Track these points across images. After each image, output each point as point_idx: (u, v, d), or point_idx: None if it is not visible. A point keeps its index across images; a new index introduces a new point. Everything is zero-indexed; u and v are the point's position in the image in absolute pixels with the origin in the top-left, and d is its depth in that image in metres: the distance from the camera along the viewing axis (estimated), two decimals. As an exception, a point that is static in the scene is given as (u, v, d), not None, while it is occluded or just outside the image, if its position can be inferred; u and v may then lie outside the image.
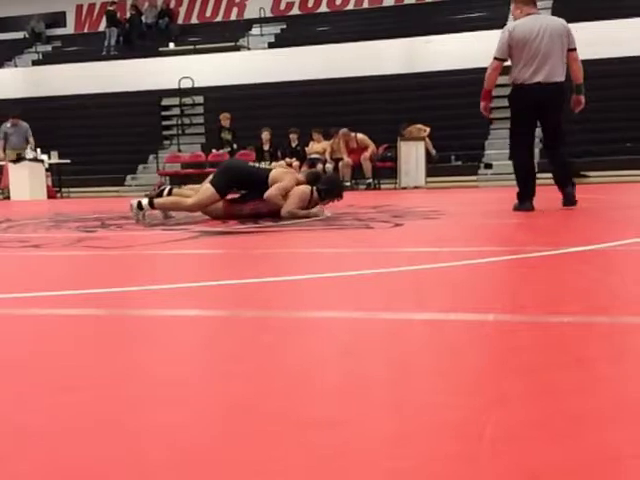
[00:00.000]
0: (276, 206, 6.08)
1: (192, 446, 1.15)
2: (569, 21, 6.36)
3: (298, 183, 6.19)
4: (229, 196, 6.34)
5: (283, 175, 6.24)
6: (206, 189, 6.16)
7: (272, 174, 6.22)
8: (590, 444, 1.11)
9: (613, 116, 15.16)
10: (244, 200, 6.32)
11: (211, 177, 6.34)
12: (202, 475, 1.04)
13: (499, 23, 19.13)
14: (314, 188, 6.13)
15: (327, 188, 6.19)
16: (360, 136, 14.85)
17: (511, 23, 6.30)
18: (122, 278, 3.20)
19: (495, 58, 6.28)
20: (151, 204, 6.22)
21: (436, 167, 15.15)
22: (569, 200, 6.20)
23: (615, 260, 3.31)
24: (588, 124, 13.58)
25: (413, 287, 2.65)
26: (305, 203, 6.12)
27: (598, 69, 13.92)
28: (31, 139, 15.06)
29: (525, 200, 6.23)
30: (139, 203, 6.21)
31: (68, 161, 15.95)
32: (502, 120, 17.04)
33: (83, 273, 3.53)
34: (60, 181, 16.32)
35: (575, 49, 6.22)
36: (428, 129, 15.34)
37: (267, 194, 6.05)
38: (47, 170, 15.55)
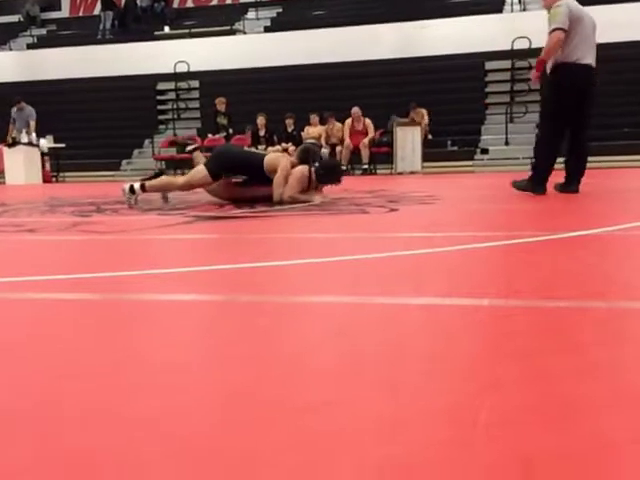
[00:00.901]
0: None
1: (188, 433, 1.14)
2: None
3: (292, 166, 6.16)
4: (233, 180, 6.31)
5: (278, 159, 6.21)
6: (199, 170, 6.19)
7: (267, 159, 6.19)
8: (585, 429, 1.11)
9: (612, 101, 15.13)
10: (245, 185, 6.29)
11: (206, 160, 6.36)
12: (198, 462, 1.04)
13: (494, 8, 19.17)
14: (312, 169, 6.09)
15: (325, 172, 6.15)
16: (367, 121, 14.94)
17: (564, 1, 6.22)
18: (117, 263, 3.19)
19: (559, 29, 6.14)
20: (143, 187, 6.21)
21: (432, 152, 15.14)
22: (574, 189, 6.27)
23: (612, 245, 3.31)
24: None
25: (408, 272, 2.65)
26: (305, 185, 6.10)
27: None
28: (32, 123, 15.00)
29: (542, 184, 6.24)
30: (131, 187, 6.20)
31: (62, 145, 15.89)
32: (498, 105, 17.12)
33: (78, 257, 3.52)
34: (58, 165, 16.28)
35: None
36: (425, 116, 15.42)
37: (286, 195, 6.01)
38: (46, 154, 15.53)
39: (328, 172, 6.20)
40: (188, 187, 6.27)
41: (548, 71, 6.27)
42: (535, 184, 6.25)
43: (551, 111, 6.27)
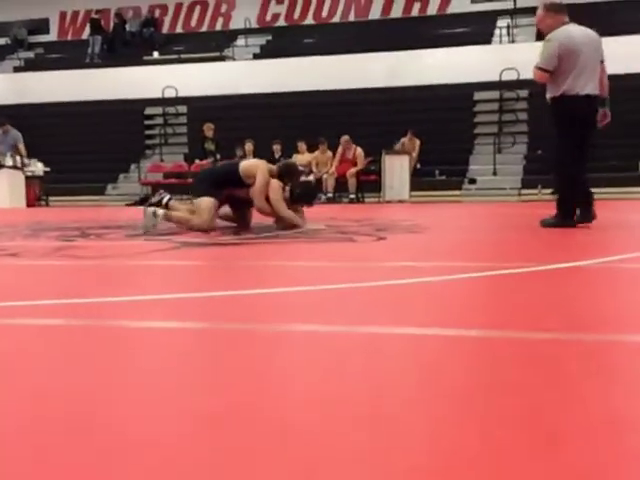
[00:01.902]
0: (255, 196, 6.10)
1: (166, 459, 1.11)
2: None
3: (271, 174, 6.16)
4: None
5: (253, 168, 6.16)
6: (201, 201, 6.04)
7: (242, 166, 6.20)
8: (569, 462, 1.08)
9: (597, 133, 15.23)
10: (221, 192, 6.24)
11: (195, 193, 6.25)
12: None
13: (483, 39, 19.38)
14: (287, 188, 6.13)
15: (300, 192, 6.22)
16: (359, 150, 15.00)
17: (557, 32, 5.93)
18: (100, 288, 3.15)
19: (541, 69, 5.95)
20: (166, 216, 6.08)
21: (420, 181, 15.21)
22: (590, 217, 6.02)
23: (599, 277, 3.30)
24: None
25: (395, 301, 2.63)
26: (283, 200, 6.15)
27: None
28: (21, 146, 14.99)
29: (571, 217, 5.96)
30: (154, 212, 6.06)
31: (47, 169, 15.85)
32: (486, 135, 17.23)
33: (60, 283, 3.48)
34: (46, 189, 16.25)
35: (604, 61, 6.09)
36: (417, 147, 15.62)
37: (257, 206, 6.05)
38: (38, 178, 15.56)
39: (304, 191, 6.29)
40: (208, 223, 5.99)
41: (549, 101, 6.07)
42: (563, 219, 5.95)
43: (563, 142, 6.00)
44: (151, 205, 6.28)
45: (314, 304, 2.63)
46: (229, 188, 6.12)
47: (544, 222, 6.04)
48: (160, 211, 6.10)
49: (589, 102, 5.92)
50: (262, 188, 5.99)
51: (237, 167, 6.21)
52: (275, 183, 6.07)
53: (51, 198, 16.68)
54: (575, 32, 5.97)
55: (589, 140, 6.04)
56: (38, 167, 15.38)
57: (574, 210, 5.99)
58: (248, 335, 2.08)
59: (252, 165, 6.26)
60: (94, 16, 23.59)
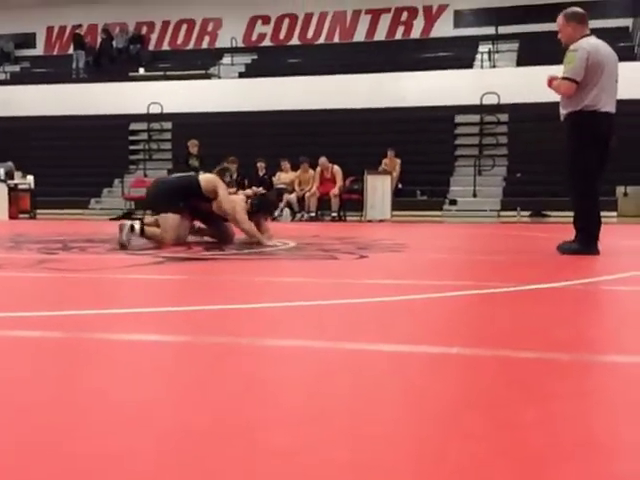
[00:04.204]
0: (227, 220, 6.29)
1: (148, 475, 1.13)
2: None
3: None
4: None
5: (213, 183, 6.33)
6: (166, 218, 6.15)
7: (203, 179, 6.41)
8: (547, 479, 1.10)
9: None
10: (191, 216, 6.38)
11: (155, 208, 6.46)
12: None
13: (465, 63, 19.55)
14: (249, 201, 6.36)
15: (259, 202, 6.46)
16: (336, 168, 15.06)
17: (583, 42, 5.50)
18: (81, 301, 3.16)
19: (569, 79, 5.45)
20: (142, 231, 6.07)
21: (401, 201, 15.29)
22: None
23: (577, 298, 3.35)
24: (551, 165, 13.73)
25: (376, 318, 2.65)
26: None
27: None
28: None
29: (595, 243, 5.50)
30: (132, 226, 6.04)
31: (30, 181, 15.77)
32: (467, 157, 17.36)
33: (42, 295, 3.48)
34: (32, 202, 16.16)
35: (617, 81, 5.63)
36: (398, 166, 15.70)
37: (244, 225, 6.18)
38: (27, 191, 15.53)
39: (262, 202, 6.54)
40: (175, 240, 6.15)
41: (563, 118, 5.62)
42: (587, 245, 5.47)
43: (579, 163, 5.52)
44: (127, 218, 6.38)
45: (297, 320, 2.65)
46: (193, 200, 6.24)
47: (562, 247, 5.58)
48: (137, 225, 6.10)
49: (608, 120, 5.54)
50: (227, 197, 6.24)
51: (197, 181, 6.37)
52: (237, 197, 6.28)
53: (36, 211, 16.61)
54: (600, 45, 5.60)
55: (603, 164, 5.59)
56: (28, 180, 15.32)
57: (597, 234, 5.53)
58: (230, 349, 2.09)
59: (211, 180, 6.39)
60: (77, 31, 23.56)
